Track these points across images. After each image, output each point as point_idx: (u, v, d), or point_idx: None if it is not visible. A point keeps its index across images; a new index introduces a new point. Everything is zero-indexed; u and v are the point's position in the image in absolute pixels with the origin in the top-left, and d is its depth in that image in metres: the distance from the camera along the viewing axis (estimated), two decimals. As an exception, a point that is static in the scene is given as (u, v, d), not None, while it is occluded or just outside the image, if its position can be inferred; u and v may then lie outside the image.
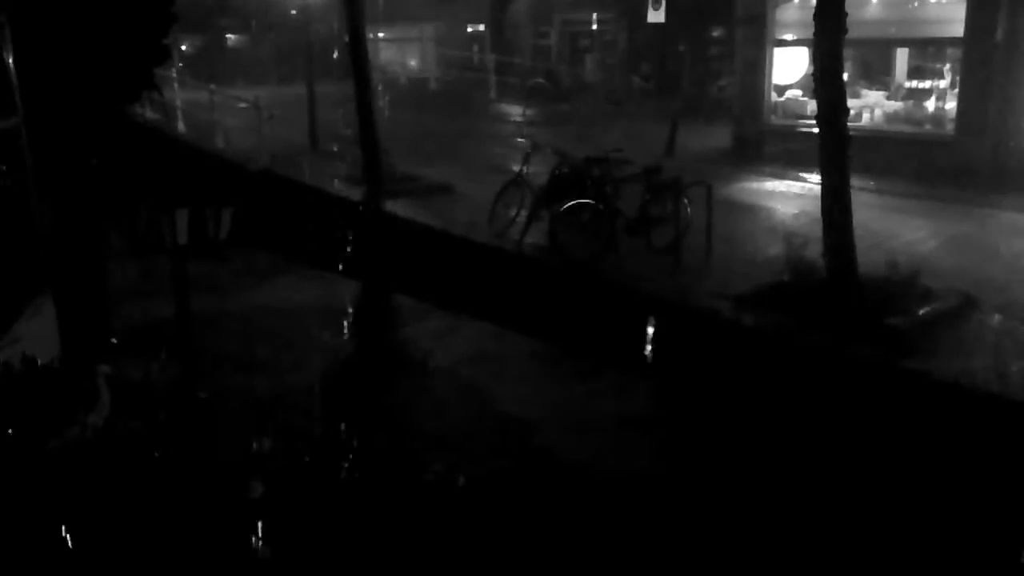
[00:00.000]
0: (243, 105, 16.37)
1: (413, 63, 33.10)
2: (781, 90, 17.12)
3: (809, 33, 8.05)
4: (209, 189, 7.65)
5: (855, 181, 8.20)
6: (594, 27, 29.20)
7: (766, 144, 16.47)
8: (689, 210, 10.02)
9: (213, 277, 10.02)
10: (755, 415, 7.11)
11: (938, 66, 15.83)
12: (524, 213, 10.64)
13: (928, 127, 15.52)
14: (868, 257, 8.28)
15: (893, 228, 11.09)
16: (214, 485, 5.47)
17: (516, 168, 11.25)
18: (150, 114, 16.97)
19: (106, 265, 7.36)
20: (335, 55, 17.07)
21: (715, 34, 25.36)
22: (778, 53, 16.68)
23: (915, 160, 14.29)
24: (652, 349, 8.48)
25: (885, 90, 16.48)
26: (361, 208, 12.29)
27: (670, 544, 5.52)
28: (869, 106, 16.07)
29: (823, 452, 6.51)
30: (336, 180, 13.67)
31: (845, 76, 8.08)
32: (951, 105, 14.94)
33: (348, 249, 11.68)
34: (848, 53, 8.44)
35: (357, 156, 12.83)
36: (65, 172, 6.66)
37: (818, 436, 6.73)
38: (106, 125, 6.97)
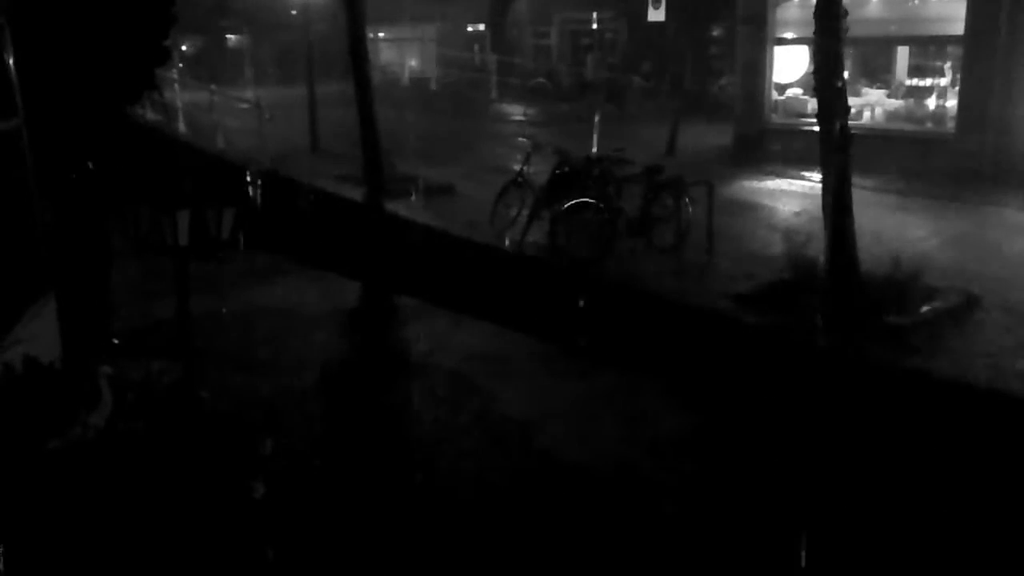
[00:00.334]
0: (244, 106, 16.39)
1: (414, 63, 33.10)
2: (782, 89, 17.11)
3: (810, 31, 8.04)
4: (210, 190, 7.66)
5: (856, 179, 8.20)
6: (595, 26, 29.22)
7: (767, 143, 16.47)
8: (690, 209, 10.02)
9: (214, 278, 10.02)
10: (756, 414, 7.10)
11: (939, 64, 15.83)
12: (525, 213, 10.64)
13: (929, 125, 15.52)
14: (869, 255, 8.27)
15: (894, 226, 11.08)
16: (216, 486, 5.47)
17: (517, 168, 11.25)
18: (151, 115, 17.00)
19: (108, 266, 7.37)
20: (335, 56, 17.06)
21: (716, 33, 25.37)
22: (779, 52, 16.68)
23: (916, 158, 14.28)
24: (653, 349, 8.47)
25: (886, 88, 16.48)
26: (362, 209, 12.29)
27: (670, 543, 5.52)
28: (870, 104, 16.06)
29: (823, 452, 6.51)
30: (337, 180, 13.67)
31: (846, 74, 8.08)
32: (952, 103, 14.93)
33: (349, 249, 11.68)
34: (848, 51, 8.45)
35: (358, 156, 12.82)
36: (66, 173, 6.67)
37: (818, 435, 6.73)
38: (107, 126, 6.98)
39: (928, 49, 16.19)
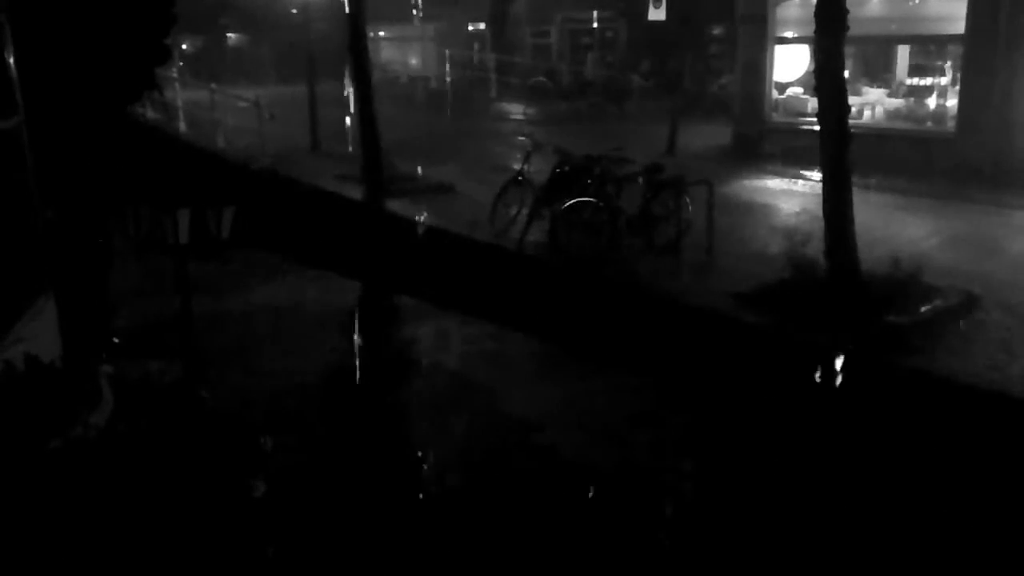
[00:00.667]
0: (244, 104, 16.38)
1: (414, 62, 33.11)
2: (782, 88, 17.11)
3: (810, 31, 8.04)
4: (210, 189, 7.66)
5: (856, 179, 8.20)
6: (595, 25, 29.22)
7: (767, 142, 16.47)
8: (690, 208, 10.02)
9: (214, 277, 10.02)
10: (757, 414, 7.10)
11: (939, 63, 15.84)
12: (525, 212, 10.64)
13: (929, 124, 15.52)
14: (870, 255, 8.27)
15: (894, 226, 11.08)
16: (217, 485, 5.47)
17: (517, 167, 11.25)
18: (151, 114, 16.98)
19: (108, 265, 7.37)
20: (336, 54, 17.08)
21: (716, 32, 25.37)
22: (779, 51, 16.68)
23: (916, 157, 14.29)
24: (654, 348, 8.47)
25: (886, 87, 16.49)
26: (362, 208, 12.30)
27: (670, 541, 5.52)
28: (870, 103, 16.06)
29: (823, 452, 6.51)
30: (337, 179, 13.67)
31: (846, 73, 8.07)
32: (952, 102, 14.93)
33: (349, 249, 11.68)
34: (849, 50, 8.43)
35: (358, 155, 12.84)
36: (67, 172, 6.67)
37: (818, 435, 6.73)
38: (107, 125, 6.98)
39: (928, 48, 16.19)
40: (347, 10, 12.82)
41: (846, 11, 7.81)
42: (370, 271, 11.03)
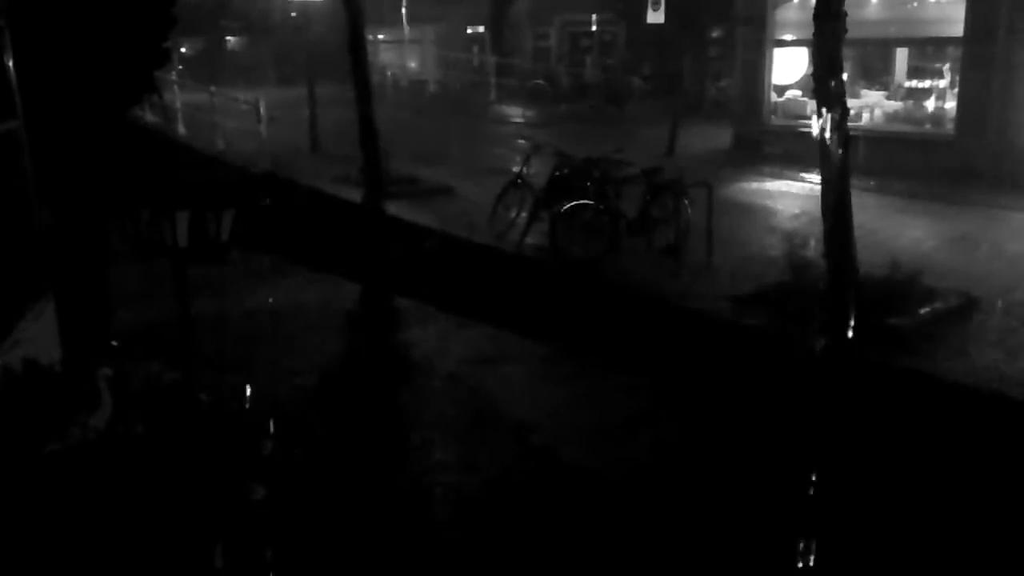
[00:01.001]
0: (243, 107, 16.39)
1: (413, 65, 33.12)
2: (781, 90, 17.13)
3: (809, 33, 8.04)
4: (210, 191, 7.65)
5: (855, 181, 8.20)
6: (594, 28, 29.24)
7: (766, 144, 16.49)
8: (689, 211, 10.02)
9: (214, 280, 10.01)
10: (755, 414, 7.10)
11: (938, 66, 15.86)
12: (524, 214, 10.65)
13: (928, 127, 15.54)
14: (869, 257, 8.27)
15: (894, 228, 11.08)
16: (216, 487, 5.46)
17: (516, 169, 11.25)
18: (150, 117, 16.99)
19: (107, 268, 7.37)
20: (335, 57, 17.10)
21: (715, 35, 25.38)
22: (778, 53, 16.70)
23: (915, 159, 14.30)
24: (653, 350, 8.47)
25: (885, 90, 16.50)
26: (361, 210, 12.29)
27: (670, 541, 5.51)
28: (869, 106, 16.08)
29: (823, 453, 6.51)
30: (336, 181, 13.67)
31: (845, 76, 8.08)
32: (951, 104, 14.95)
33: (348, 251, 11.67)
34: (848, 53, 8.44)
35: (357, 157, 12.83)
36: (65, 175, 6.67)
37: (818, 436, 6.73)
38: (106, 128, 6.98)
39: (927, 51, 16.21)
40: (346, 13, 12.82)
41: (845, 13, 7.81)
42: (369, 273, 11.02)
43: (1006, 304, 8.30)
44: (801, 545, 5.51)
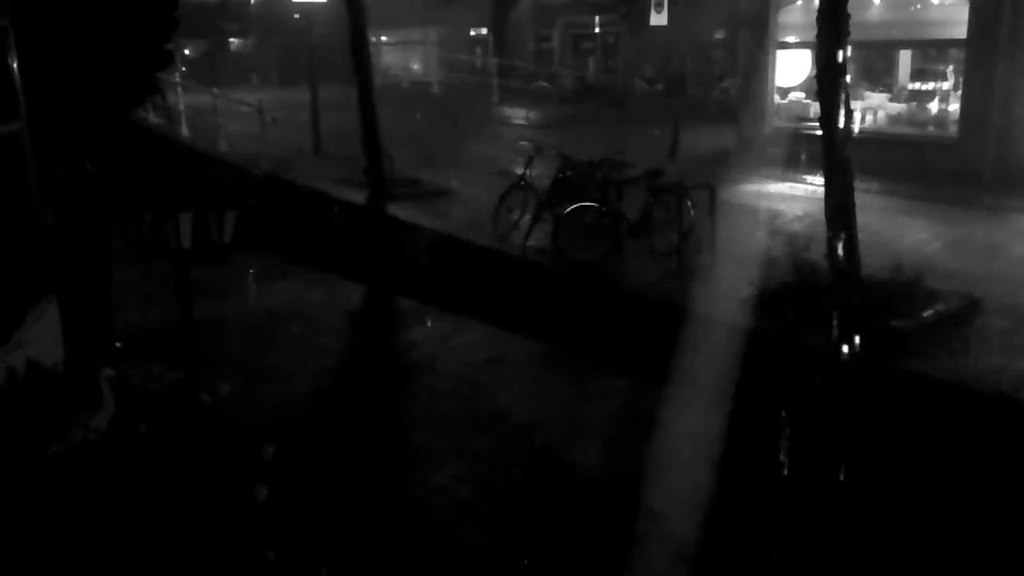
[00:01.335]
0: (246, 109, 16.41)
1: (416, 67, 33.15)
2: (784, 92, 17.11)
3: (812, 35, 8.02)
4: (212, 193, 7.66)
5: (858, 183, 8.17)
6: (596, 30, 29.25)
7: (769, 146, 16.46)
8: (692, 213, 10.01)
9: (216, 281, 10.03)
10: (758, 416, 7.09)
11: (941, 68, 15.83)
12: (527, 216, 10.65)
13: (931, 129, 15.51)
14: (872, 259, 8.26)
15: (897, 230, 11.07)
16: (217, 489, 5.47)
17: (518, 171, 11.25)
18: (153, 118, 17.02)
19: (110, 269, 7.37)
20: (338, 59, 17.12)
21: (718, 36, 25.38)
22: (781, 55, 16.68)
23: (918, 162, 14.28)
24: (655, 352, 8.46)
25: (888, 92, 16.48)
26: (364, 211, 12.30)
27: (669, 541, 5.51)
28: (872, 108, 16.06)
29: (823, 454, 6.50)
30: (338, 183, 13.68)
31: (848, 78, 8.07)
32: (954, 107, 14.92)
33: (350, 252, 11.68)
34: (851, 55, 8.43)
35: (360, 159, 12.85)
36: (68, 176, 6.68)
37: (819, 438, 6.72)
38: (109, 129, 6.99)
39: (930, 53, 16.19)
40: (349, 15, 12.83)
41: (848, 16, 7.80)
42: (372, 274, 11.02)
43: (1009, 306, 8.28)
44: (801, 545, 5.51)
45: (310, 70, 16.86)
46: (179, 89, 18.21)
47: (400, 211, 12.25)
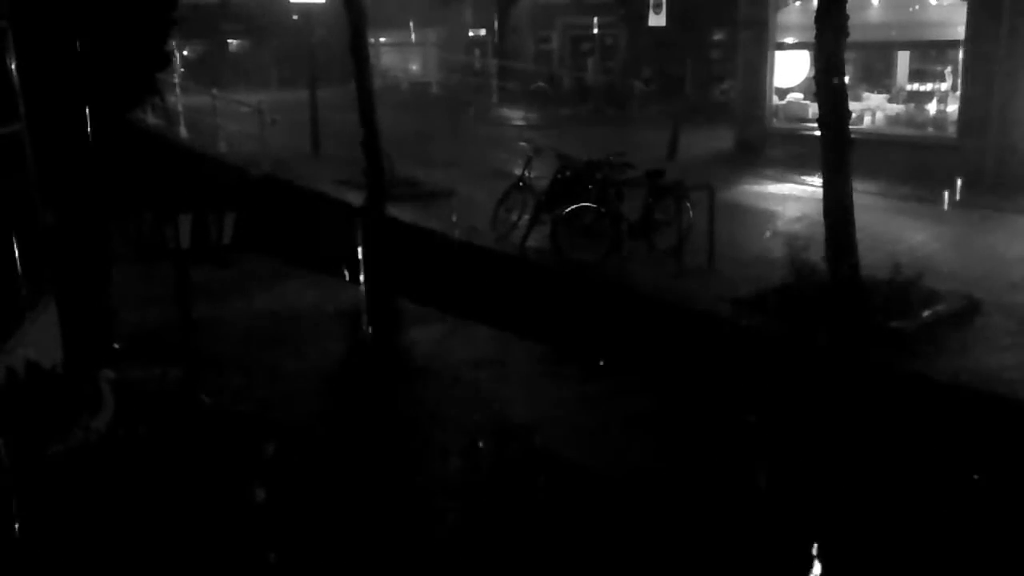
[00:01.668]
0: (245, 110, 16.40)
1: (415, 68, 33.15)
2: (783, 93, 17.12)
3: (810, 36, 8.05)
4: (212, 194, 7.67)
5: (857, 184, 8.20)
6: (595, 31, 29.25)
7: (768, 147, 16.48)
8: (691, 213, 10.02)
9: (216, 282, 10.03)
10: (757, 416, 7.09)
11: (939, 69, 15.84)
12: (526, 217, 10.65)
13: (930, 130, 15.52)
14: (871, 260, 8.27)
15: (896, 231, 11.08)
16: (217, 489, 5.46)
17: (518, 172, 11.25)
18: (152, 119, 17.01)
19: (109, 269, 7.38)
20: (337, 60, 17.12)
21: (716, 37, 25.38)
22: (779, 56, 16.69)
23: (917, 163, 14.28)
24: (654, 352, 8.47)
25: (887, 93, 16.49)
26: (363, 212, 12.30)
27: (669, 540, 5.51)
28: (871, 109, 16.07)
29: (824, 454, 6.50)
30: (338, 184, 13.68)
31: (847, 79, 8.08)
32: (953, 108, 14.93)
33: (350, 253, 11.68)
34: (849, 56, 8.44)
35: (359, 160, 12.85)
36: (68, 177, 6.68)
37: (819, 438, 6.72)
38: (108, 130, 6.99)
39: (929, 54, 16.20)
40: (348, 16, 12.83)
41: (847, 17, 7.81)
42: (371, 275, 11.02)
43: (1008, 306, 8.29)
44: (801, 545, 5.51)
45: (310, 71, 16.86)
46: (178, 90, 18.20)
47: (399, 212, 12.25)
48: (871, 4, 15.41)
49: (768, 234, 11.07)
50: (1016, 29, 13.50)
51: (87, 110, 6.67)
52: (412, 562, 5.32)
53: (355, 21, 12.78)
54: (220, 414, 6.68)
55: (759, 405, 7.25)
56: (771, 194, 13.95)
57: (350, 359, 9.00)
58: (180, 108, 17.57)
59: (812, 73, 8.46)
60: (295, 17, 23.24)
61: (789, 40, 16.48)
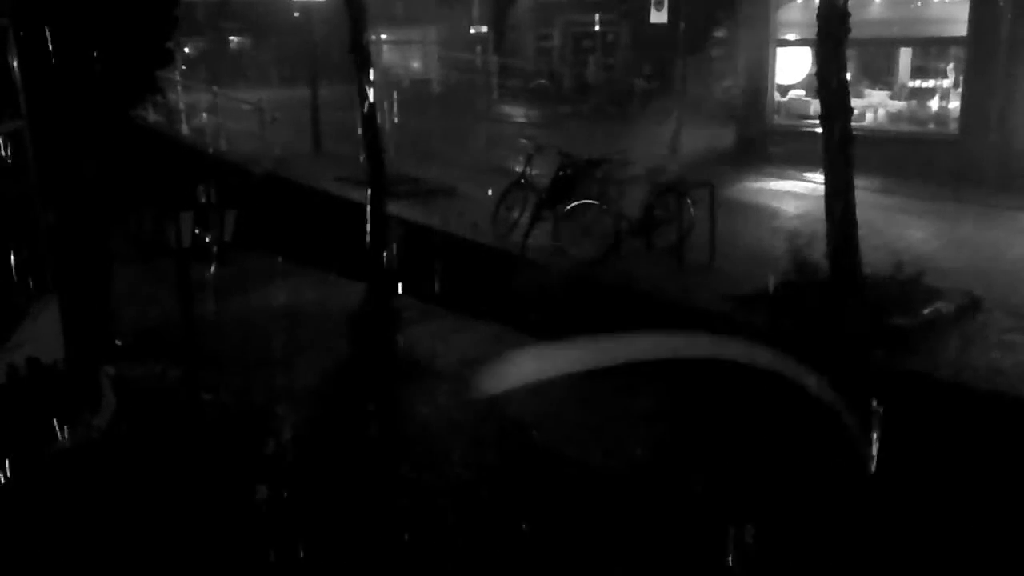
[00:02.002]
0: (246, 107, 16.40)
1: (416, 65, 33.12)
2: (784, 90, 17.10)
3: (812, 33, 8.04)
4: (212, 192, 7.67)
5: (859, 181, 8.19)
6: (596, 28, 29.20)
7: (769, 144, 16.46)
8: (692, 211, 10.01)
9: (216, 279, 10.02)
10: (757, 416, 7.09)
11: (941, 65, 15.81)
12: (527, 214, 10.64)
13: (932, 127, 15.50)
14: (872, 257, 8.26)
15: (897, 228, 11.07)
16: (218, 486, 5.47)
17: (518, 169, 11.24)
18: (153, 117, 17.00)
19: (110, 268, 7.38)
20: (337, 58, 17.13)
21: (718, 34, 25.33)
22: (781, 53, 16.66)
23: (919, 160, 14.26)
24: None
25: (888, 90, 16.46)
26: (363, 209, 12.29)
27: (668, 538, 5.52)
28: (872, 106, 16.05)
29: (824, 455, 6.50)
30: (338, 182, 13.67)
31: (848, 76, 8.07)
32: (955, 104, 14.91)
33: (350, 251, 11.66)
34: (851, 53, 8.44)
35: (359, 158, 12.84)
36: (69, 175, 6.68)
37: (819, 438, 6.72)
38: (109, 128, 6.99)
39: (930, 50, 16.17)
40: (348, 14, 12.81)
41: (848, 14, 7.80)
42: (372, 273, 11.00)
43: (1009, 304, 8.28)
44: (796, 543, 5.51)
45: (311, 69, 16.85)
46: (179, 88, 18.20)
47: (400, 209, 12.24)
48: (873, 1, 15.39)
49: (769, 231, 11.06)
50: (1018, 26, 13.48)
51: (89, 108, 6.67)
52: (412, 559, 5.32)
53: (356, 19, 12.76)
54: (220, 411, 6.69)
55: (759, 405, 7.24)
56: (772, 191, 13.94)
57: (349, 357, 8.99)
58: (181, 105, 17.57)
59: (813, 70, 8.45)
60: (296, 15, 23.23)
61: (790, 37, 16.45)
